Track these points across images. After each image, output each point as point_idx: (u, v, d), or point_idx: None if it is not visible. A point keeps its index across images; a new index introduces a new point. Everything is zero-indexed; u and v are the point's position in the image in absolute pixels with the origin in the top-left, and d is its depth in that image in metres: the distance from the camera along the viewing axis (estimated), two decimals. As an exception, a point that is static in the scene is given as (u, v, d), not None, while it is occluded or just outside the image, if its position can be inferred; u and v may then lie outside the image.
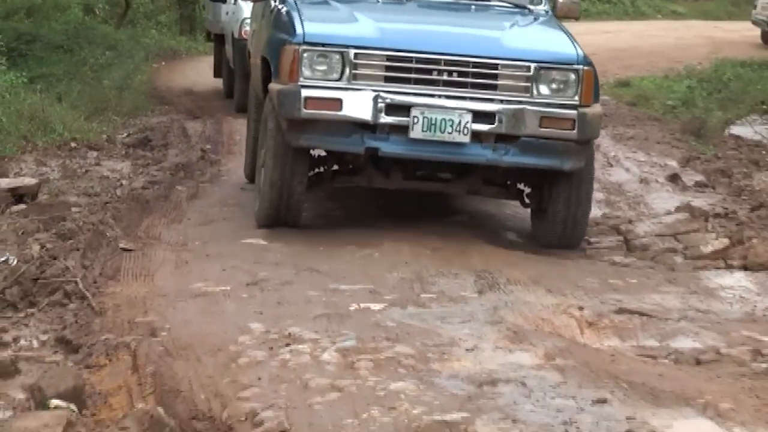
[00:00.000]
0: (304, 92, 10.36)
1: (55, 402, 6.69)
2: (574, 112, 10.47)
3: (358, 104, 10.31)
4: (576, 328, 8.62)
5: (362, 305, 8.74)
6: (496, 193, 11.73)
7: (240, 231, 11.22)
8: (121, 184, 13.82)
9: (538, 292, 9.40)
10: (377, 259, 10.19)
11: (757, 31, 34.08)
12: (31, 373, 7.17)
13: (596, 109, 10.76)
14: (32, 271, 9.41)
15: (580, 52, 10.75)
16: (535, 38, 11.37)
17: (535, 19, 11.96)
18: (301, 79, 10.40)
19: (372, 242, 10.52)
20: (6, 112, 16.89)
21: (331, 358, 7.49)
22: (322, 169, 11.29)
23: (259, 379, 7.13)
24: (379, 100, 10.30)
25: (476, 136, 10.40)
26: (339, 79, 10.40)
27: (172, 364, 7.42)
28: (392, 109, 10.34)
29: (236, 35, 19.93)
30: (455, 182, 11.42)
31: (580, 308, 8.97)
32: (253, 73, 13.42)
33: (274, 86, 10.74)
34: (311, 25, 10.72)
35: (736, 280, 10.40)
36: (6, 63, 20.01)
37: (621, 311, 9.02)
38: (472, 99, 10.41)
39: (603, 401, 6.81)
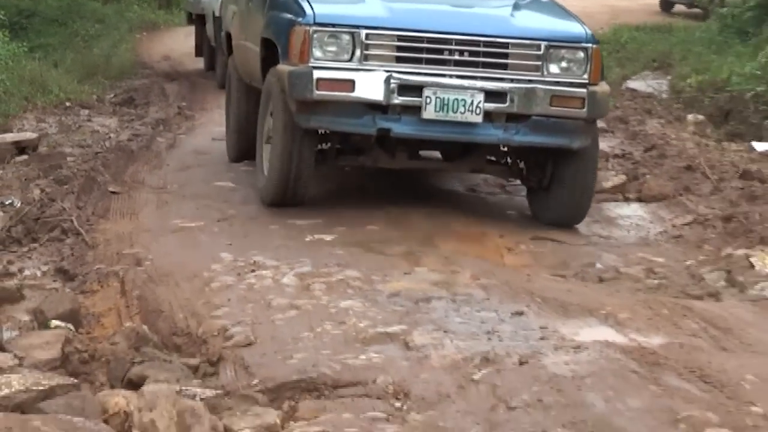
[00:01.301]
0: (316, 73, 8.88)
1: (55, 322, 6.66)
2: (583, 90, 9.08)
3: (370, 85, 8.87)
4: (498, 253, 8.65)
5: (316, 236, 8.73)
6: (499, 171, 10.32)
7: (212, 175, 11.18)
8: (110, 137, 13.78)
9: (467, 222, 9.44)
10: (330, 196, 10.18)
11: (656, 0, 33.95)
12: (34, 299, 7.14)
13: (604, 87, 9.43)
14: (34, 212, 9.42)
15: (588, 31, 9.43)
16: (544, 18, 9.86)
17: (540, 1, 10.39)
18: (312, 60, 8.92)
19: (327, 184, 10.48)
20: (9, 77, 16.92)
21: (289, 282, 7.49)
22: (325, 147, 9.68)
23: (229, 300, 7.13)
24: (392, 81, 8.86)
25: (487, 115, 8.99)
26: (350, 60, 8.94)
27: (155, 289, 7.41)
28: (404, 89, 8.91)
29: (217, 14, 17.62)
30: (459, 162, 10.14)
31: (501, 236, 9.03)
32: (240, 54, 11.75)
33: (283, 68, 9.16)
34: (321, 6, 9.23)
35: (633, 210, 10.50)
36: (9, 35, 19.88)
37: (535, 238, 9.08)
38: (483, 78, 8.98)
39: (520, 313, 6.84)
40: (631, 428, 4.98)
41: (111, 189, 10.49)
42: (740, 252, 8.48)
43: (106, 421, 5.12)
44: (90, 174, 10.94)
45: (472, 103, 8.88)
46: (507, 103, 8.96)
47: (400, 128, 9.00)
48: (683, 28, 23.94)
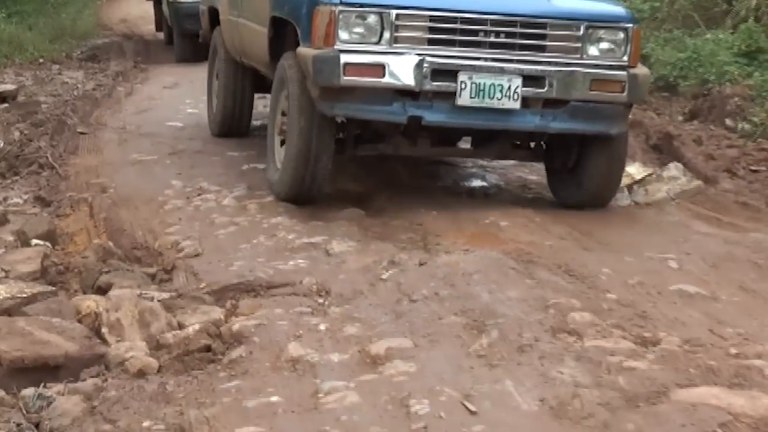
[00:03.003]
0: (344, 57, 6.85)
1: (35, 241, 6.60)
2: (624, 73, 7.15)
3: (401, 69, 6.87)
4: (400, 174, 8.64)
5: (251, 165, 8.65)
6: (523, 156, 8.15)
7: (164, 117, 11.03)
8: (77, 87, 13.55)
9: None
10: (260, 114, 10.12)
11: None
12: (17, 222, 7.03)
13: (644, 70, 7.55)
14: (15, 150, 9.26)
15: (628, 10, 7.68)
16: None
17: None
18: (338, 42, 6.90)
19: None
20: (-9, 39, 16.58)
21: (229, 203, 7.47)
22: (342, 135, 7.54)
23: (180, 219, 7.11)
24: (424, 65, 6.85)
25: (524, 101, 7.07)
26: (378, 43, 6.94)
27: (118, 211, 7.35)
28: (438, 74, 6.91)
29: None
30: (485, 148, 8.02)
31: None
32: (232, 32, 9.38)
33: (306, 51, 7.04)
34: None
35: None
36: (-11, 4, 19.51)
37: (431, 162, 9.06)
38: (520, 62, 7.05)
39: (420, 224, 6.88)
40: (511, 313, 5.02)
41: (79, 130, 10.33)
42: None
43: (79, 321, 5.11)
44: (61, 118, 10.76)
45: (509, 88, 6.95)
46: (545, 88, 7.05)
47: (433, 116, 7.03)
48: None
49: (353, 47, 6.87)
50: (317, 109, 7.02)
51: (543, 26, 7.09)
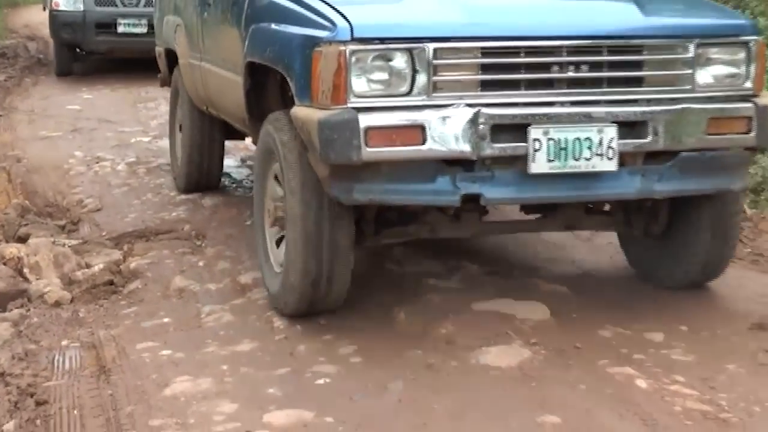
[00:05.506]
0: (365, 119, 3.49)
1: (-37, 202, 6.31)
2: (749, 106, 3.88)
3: (448, 130, 3.54)
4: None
5: (138, 139, 8.37)
6: (602, 223, 4.46)
7: (65, 102, 10.49)
8: (-9, 79, 12.93)
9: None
10: (149, 110, 9.77)
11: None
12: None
13: None
14: (-58, 131, 8.80)
15: (747, 19, 4.40)
16: (680, 5, 4.37)
17: None
18: (353, 98, 3.53)
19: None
20: None
21: (122, 169, 7.26)
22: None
23: (82, 182, 6.88)
24: (481, 120, 3.56)
25: (620, 158, 3.74)
26: (409, 93, 3.57)
27: (31, 177, 7.07)
28: (501, 131, 3.62)
29: (48, 7, 12.65)
30: (550, 219, 4.32)
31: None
32: (194, 79, 5.69)
33: (305, 114, 3.64)
34: (355, 11, 3.68)
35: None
36: None
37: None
38: (610, 103, 3.76)
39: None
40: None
41: (-5, 113, 9.89)
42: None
43: (4, 264, 4.89)
44: (-21, 104, 10.27)
45: (600, 142, 3.67)
46: (648, 137, 3.76)
47: (496, 192, 3.69)
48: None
49: (375, 102, 3.56)
50: (329, 194, 3.72)
51: (639, 50, 3.83)
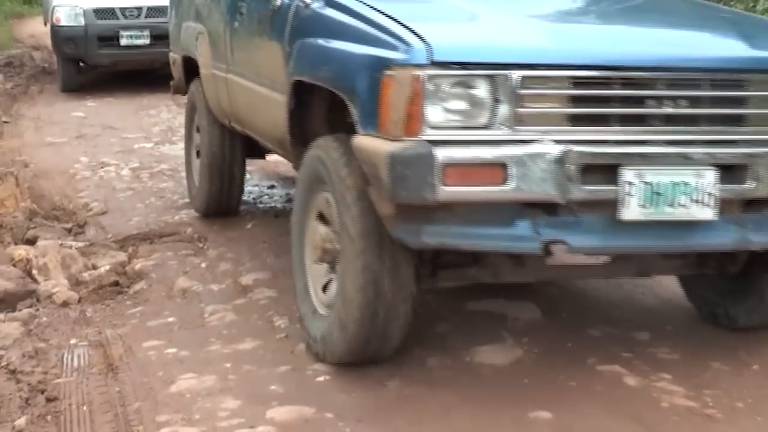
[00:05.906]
0: (441, 154, 2.81)
1: (-28, 206, 6.28)
2: None
3: (532, 169, 2.84)
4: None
5: (141, 145, 8.34)
6: (676, 268, 3.62)
7: (70, 109, 10.45)
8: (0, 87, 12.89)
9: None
10: (150, 117, 9.73)
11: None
12: (-44, 191, 6.69)
13: None
14: (-48, 136, 8.76)
15: None
16: None
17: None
18: (427, 129, 2.85)
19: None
20: None
21: (126, 173, 7.23)
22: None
23: (88, 186, 6.84)
24: (570, 159, 2.87)
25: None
26: (488, 126, 2.88)
27: (39, 181, 7.02)
28: (591, 172, 2.91)
29: (49, 22, 11.97)
30: (621, 263, 3.46)
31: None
32: (219, 92, 5.02)
33: (371, 145, 2.96)
34: (431, 30, 2.96)
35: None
36: None
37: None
38: (708, 144, 3.05)
39: (273, 186, 6.76)
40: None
41: (3, 120, 9.78)
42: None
43: (14, 265, 4.86)
44: (-12, 111, 10.23)
45: (697, 187, 3.00)
46: (750, 183, 3.08)
47: (581, 240, 2.99)
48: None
49: (451, 135, 2.92)
50: (391, 235, 3.10)
51: (740, 84, 3.17)
